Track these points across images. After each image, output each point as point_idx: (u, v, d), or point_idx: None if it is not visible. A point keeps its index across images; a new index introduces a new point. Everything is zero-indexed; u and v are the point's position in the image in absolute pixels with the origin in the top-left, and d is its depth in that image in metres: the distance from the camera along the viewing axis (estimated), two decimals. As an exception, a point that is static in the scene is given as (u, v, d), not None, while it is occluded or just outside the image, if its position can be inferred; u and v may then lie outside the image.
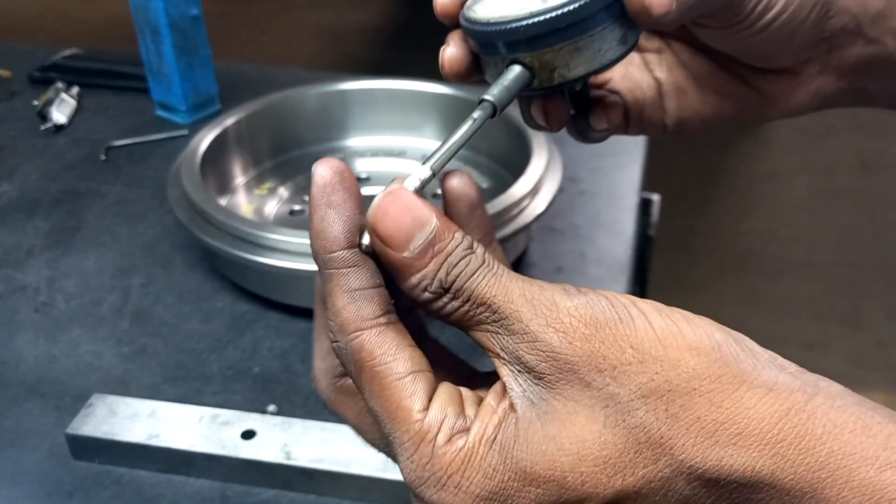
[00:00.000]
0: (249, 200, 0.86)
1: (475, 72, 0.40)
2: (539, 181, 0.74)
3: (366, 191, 0.89)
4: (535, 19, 0.36)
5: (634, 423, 0.28)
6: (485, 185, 0.86)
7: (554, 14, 0.36)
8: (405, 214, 0.30)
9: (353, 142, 0.94)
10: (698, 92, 0.47)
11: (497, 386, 0.32)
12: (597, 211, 0.86)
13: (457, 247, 0.31)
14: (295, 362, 0.67)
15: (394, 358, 0.31)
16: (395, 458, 0.32)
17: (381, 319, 0.31)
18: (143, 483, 0.57)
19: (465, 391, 0.32)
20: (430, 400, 0.31)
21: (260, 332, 0.71)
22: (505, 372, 0.31)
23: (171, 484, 0.57)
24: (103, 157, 0.96)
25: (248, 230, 0.68)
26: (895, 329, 1.98)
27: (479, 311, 0.31)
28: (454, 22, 0.40)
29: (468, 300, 0.30)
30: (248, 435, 0.57)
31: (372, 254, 0.32)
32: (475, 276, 0.30)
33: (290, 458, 0.55)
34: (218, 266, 0.77)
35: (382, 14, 3.59)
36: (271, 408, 0.63)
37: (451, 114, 0.91)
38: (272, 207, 0.85)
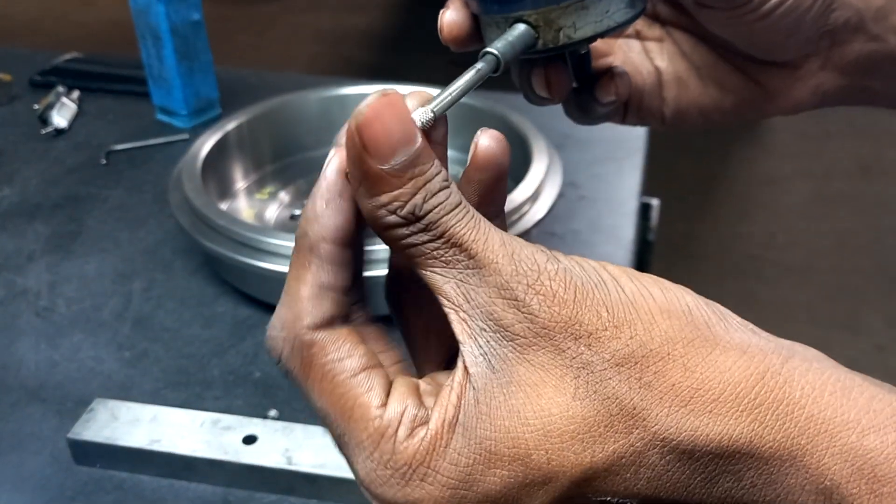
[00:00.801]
0: (250, 205, 0.86)
1: (475, 38, 0.39)
2: (539, 186, 0.74)
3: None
4: None
5: (607, 394, 0.27)
6: (485, 190, 0.86)
7: None
8: (397, 124, 0.27)
9: (354, 147, 0.94)
10: (699, 83, 0.47)
11: (457, 364, 0.29)
12: (597, 216, 0.86)
13: (436, 175, 0.28)
14: (296, 367, 0.67)
15: (348, 355, 0.29)
16: (348, 459, 0.30)
17: (339, 321, 0.30)
18: (144, 488, 0.57)
19: (422, 383, 0.31)
20: (387, 396, 0.29)
21: (261, 337, 0.70)
22: (463, 328, 0.28)
23: (173, 489, 0.57)
24: (104, 162, 0.97)
25: (249, 235, 0.68)
26: (893, 334, 1.98)
27: (449, 252, 0.28)
28: None
29: (440, 237, 0.28)
30: (250, 440, 0.57)
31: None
32: (454, 212, 0.28)
33: (291, 463, 0.56)
34: (219, 271, 0.77)
35: (381, 18, 3.60)
36: (273, 412, 0.63)
37: (451, 119, 0.91)
38: (273, 212, 0.85)
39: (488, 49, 0.35)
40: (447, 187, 0.28)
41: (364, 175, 0.28)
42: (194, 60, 1.00)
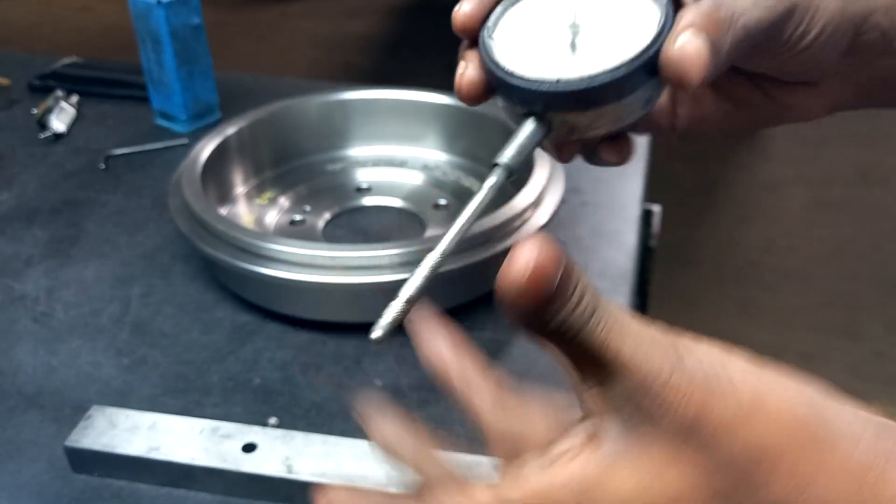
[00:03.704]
0: (250, 210, 0.86)
1: (490, 94, 0.40)
2: (541, 192, 0.74)
3: (367, 200, 0.89)
4: (568, 88, 0.34)
5: (718, 488, 0.29)
6: (486, 195, 0.86)
7: (589, 86, 0.34)
8: (550, 272, 0.29)
9: (355, 151, 0.94)
10: (715, 99, 0.47)
11: (587, 426, 0.32)
12: (599, 222, 0.85)
13: (582, 292, 0.30)
14: (296, 374, 0.67)
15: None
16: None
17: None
18: (142, 497, 0.57)
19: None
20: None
21: (261, 344, 0.70)
22: (608, 411, 0.31)
23: (172, 497, 0.57)
24: (103, 166, 0.96)
25: (249, 240, 0.68)
26: (893, 340, 1.98)
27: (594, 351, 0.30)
28: (472, 38, 0.39)
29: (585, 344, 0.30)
30: (249, 448, 0.56)
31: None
32: (590, 324, 0.30)
33: (291, 471, 0.55)
34: (218, 276, 0.76)
35: (380, 23, 3.60)
36: (272, 420, 0.62)
37: (452, 123, 0.91)
38: (273, 217, 0.85)
39: (499, 161, 0.35)
40: (583, 299, 0.30)
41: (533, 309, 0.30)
42: (194, 65, 0.99)
